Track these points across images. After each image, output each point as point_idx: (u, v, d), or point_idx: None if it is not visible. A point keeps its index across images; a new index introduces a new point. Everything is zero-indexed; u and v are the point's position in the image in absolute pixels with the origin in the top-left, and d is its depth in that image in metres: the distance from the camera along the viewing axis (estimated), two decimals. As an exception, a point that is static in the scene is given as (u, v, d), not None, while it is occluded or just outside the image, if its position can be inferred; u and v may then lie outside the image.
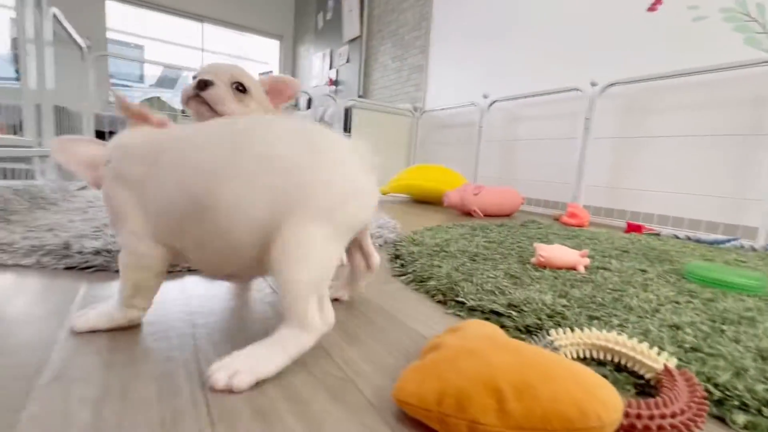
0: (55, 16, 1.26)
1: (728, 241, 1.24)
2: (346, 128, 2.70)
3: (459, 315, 0.51)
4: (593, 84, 1.75)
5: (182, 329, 0.42)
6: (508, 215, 1.82)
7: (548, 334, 0.40)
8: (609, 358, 0.39)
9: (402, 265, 0.72)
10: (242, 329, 0.44)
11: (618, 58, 1.78)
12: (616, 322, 0.48)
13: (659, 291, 0.63)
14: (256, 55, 5.30)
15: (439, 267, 0.68)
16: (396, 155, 2.88)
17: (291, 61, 5.31)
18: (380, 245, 0.91)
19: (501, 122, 2.33)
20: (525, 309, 0.49)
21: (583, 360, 0.39)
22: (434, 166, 2.19)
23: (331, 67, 4.20)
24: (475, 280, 0.61)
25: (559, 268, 0.74)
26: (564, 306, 0.52)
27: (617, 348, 0.38)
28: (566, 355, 0.39)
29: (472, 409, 0.26)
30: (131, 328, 0.41)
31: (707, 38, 1.51)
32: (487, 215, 1.72)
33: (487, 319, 0.49)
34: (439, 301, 0.57)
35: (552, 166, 2.03)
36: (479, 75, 2.49)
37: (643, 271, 0.77)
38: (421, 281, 0.63)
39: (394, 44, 3.30)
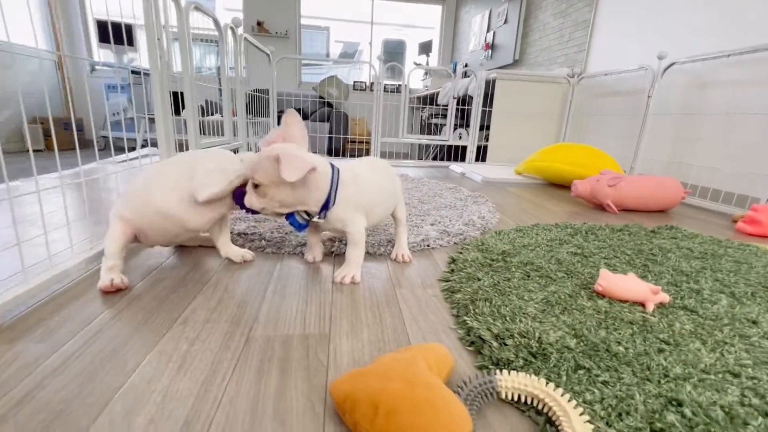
0: (246, 38, 1.68)
1: None
2: (489, 101, 2.61)
3: (458, 332, 0.58)
4: (831, 35, 1.22)
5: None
6: (662, 211, 1.52)
7: (496, 373, 0.44)
8: (545, 409, 0.41)
9: (451, 271, 0.79)
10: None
11: None
12: (601, 379, 0.46)
13: (737, 354, 0.52)
14: (420, 21, 5.42)
15: (478, 280, 0.73)
16: (544, 130, 2.64)
17: (452, 25, 5.22)
18: (455, 243, 0.98)
19: (680, 90, 1.85)
20: (508, 342, 0.52)
21: (525, 405, 0.43)
22: (578, 145, 1.95)
23: (488, 29, 3.98)
24: (498, 301, 0.64)
25: (623, 301, 0.67)
26: (562, 348, 0.52)
27: (549, 401, 0.40)
28: (506, 397, 0.43)
29: (357, 413, 0.37)
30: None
31: None
32: (628, 210, 1.49)
33: (472, 344, 0.54)
34: (453, 316, 0.63)
35: (748, 151, 1.54)
36: (657, 31, 2.00)
37: (755, 323, 0.62)
38: (452, 292, 0.70)
39: (558, -3, 2.88)
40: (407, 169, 2.39)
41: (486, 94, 2.63)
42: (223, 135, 1.56)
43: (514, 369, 0.48)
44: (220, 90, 1.61)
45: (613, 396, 0.43)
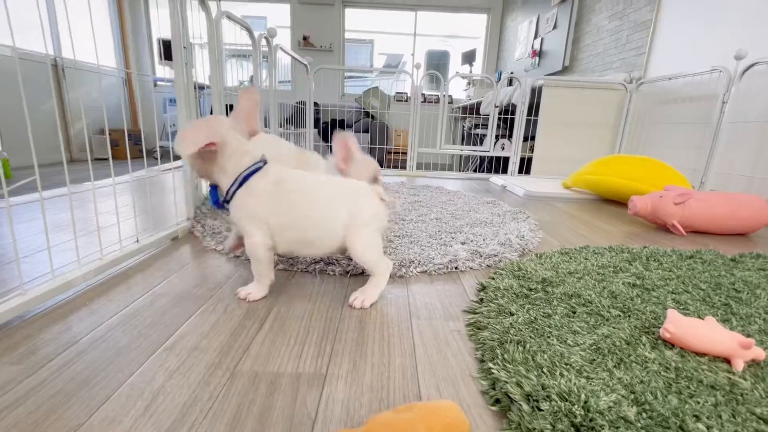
0: (281, 48, 1.68)
1: None
2: (534, 111, 2.45)
3: (481, 384, 0.47)
4: None
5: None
6: (741, 234, 1.30)
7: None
8: None
9: (480, 301, 0.68)
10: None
11: None
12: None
13: None
14: (464, 31, 5.32)
15: (511, 315, 0.61)
16: (597, 140, 2.42)
17: (497, 34, 5.07)
18: (487, 266, 0.86)
19: (764, 94, 1.60)
20: (543, 406, 0.40)
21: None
22: (637, 157, 1.74)
23: (536, 36, 3.79)
24: (534, 344, 0.53)
25: (700, 354, 0.53)
26: (617, 419, 0.39)
27: None
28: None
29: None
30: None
31: None
32: (698, 232, 1.29)
33: (497, 402, 0.43)
34: (477, 359, 0.53)
35: None
36: (732, 28, 1.76)
37: None
38: (478, 328, 0.59)
39: (614, -2, 2.67)
40: (445, 181, 2.28)
41: (531, 103, 2.47)
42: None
43: (549, 446, 0.37)
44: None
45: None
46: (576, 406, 0.40)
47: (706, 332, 0.53)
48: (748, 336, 0.58)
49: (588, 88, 2.37)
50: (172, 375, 0.47)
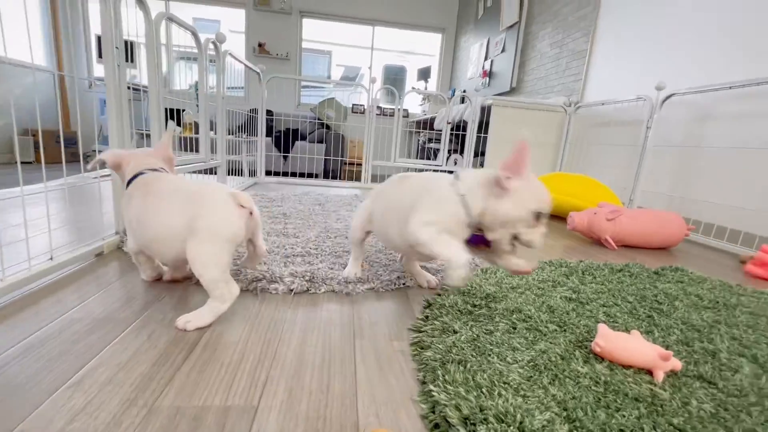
0: (230, 54, 1.62)
1: None
2: (484, 128, 2.55)
3: (422, 407, 0.46)
4: (841, 69, 1.15)
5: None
6: (663, 248, 1.42)
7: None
8: None
9: (425, 318, 0.68)
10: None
11: None
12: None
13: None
14: (420, 48, 5.47)
15: (454, 333, 0.62)
16: (541, 158, 2.57)
17: (452, 53, 5.28)
18: (432, 287, 0.87)
19: (680, 122, 1.78)
20: (479, 430, 0.40)
21: None
22: (575, 175, 1.87)
23: (486, 58, 4.00)
24: (475, 363, 0.53)
25: (626, 366, 0.56)
26: (552, 438, 0.40)
27: None
28: None
29: None
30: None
31: None
32: (627, 246, 1.39)
33: (436, 426, 0.43)
34: (418, 381, 0.52)
35: (753, 186, 1.46)
36: (655, 61, 1.96)
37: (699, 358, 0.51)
38: (422, 348, 0.58)
39: (555, 27, 2.89)
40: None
41: (482, 121, 2.58)
42: (197, 152, 1.47)
43: (484, 472, 0.36)
44: (197, 106, 1.53)
45: None
46: (512, 428, 0.41)
47: (631, 345, 0.56)
48: (668, 347, 0.63)
49: (532, 109, 2.52)
50: (76, 416, 0.41)
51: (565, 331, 0.65)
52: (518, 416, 0.42)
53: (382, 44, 5.33)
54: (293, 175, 3.55)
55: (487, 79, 3.92)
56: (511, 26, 3.46)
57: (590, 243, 1.42)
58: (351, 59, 5.50)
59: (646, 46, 2.04)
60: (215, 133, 1.70)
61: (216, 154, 1.67)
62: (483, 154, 2.56)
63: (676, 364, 0.55)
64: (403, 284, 0.84)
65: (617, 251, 1.33)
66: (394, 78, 5.62)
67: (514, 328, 0.65)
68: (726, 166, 1.57)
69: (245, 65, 1.80)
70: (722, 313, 0.79)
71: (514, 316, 0.69)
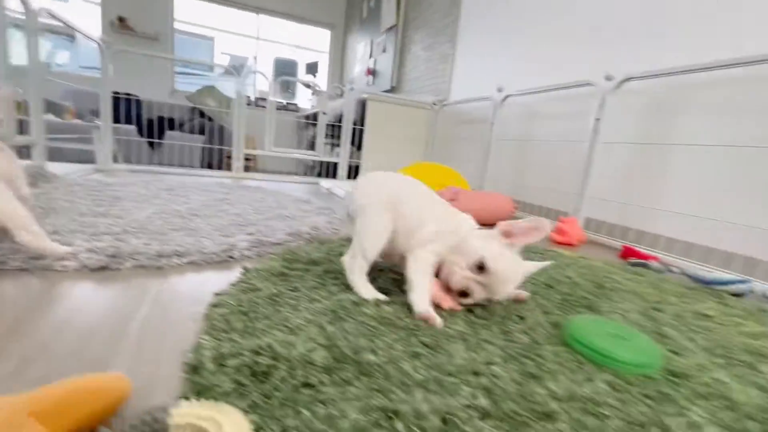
0: (49, 13, 1.38)
1: (735, 282, 0.98)
2: (361, 122, 2.65)
3: (189, 356, 0.46)
4: (608, 78, 1.48)
5: None
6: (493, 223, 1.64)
7: (176, 407, 0.33)
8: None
9: (236, 283, 0.68)
10: None
11: (640, 49, 1.48)
12: (322, 398, 0.39)
13: (490, 351, 0.51)
14: (311, 43, 5.41)
15: (256, 290, 0.63)
16: (413, 151, 2.76)
17: (341, 51, 5.35)
18: (270, 253, 0.87)
19: (516, 120, 2.10)
20: (229, 363, 0.42)
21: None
22: (433, 164, 2.06)
23: (371, 56, 4.15)
24: (261, 313, 0.54)
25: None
26: (301, 363, 0.43)
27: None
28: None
29: None
30: None
31: (742, 26, 1.18)
32: (469, 223, 1.58)
33: (195, 369, 0.43)
34: (198, 334, 0.51)
35: (562, 172, 1.79)
36: (501, 66, 2.27)
37: (521, 318, 0.63)
38: (215, 306, 0.58)
39: (427, 32, 3.14)
40: (275, 184, 2.24)
41: (361, 115, 2.67)
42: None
43: (219, 396, 0.37)
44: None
45: (325, 417, 0.36)
46: (263, 357, 0.43)
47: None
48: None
49: (403, 105, 2.69)
50: None
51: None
52: (277, 348, 0.45)
53: (272, 35, 5.14)
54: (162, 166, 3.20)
55: (372, 77, 4.07)
56: (390, 28, 3.65)
57: (439, 222, 1.58)
58: (238, 48, 5.18)
59: (492, 53, 2.34)
60: (54, 115, 1.43)
61: (31, 135, 1.41)
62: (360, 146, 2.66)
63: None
64: (230, 257, 0.82)
65: (459, 227, 1.50)
66: (286, 72, 5.47)
67: (323, 285, 0.69)
68: (545, 156, 1.90)
69: (70, 27, 1.54)
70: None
71: (329, 275, 0.73)
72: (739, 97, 1.19)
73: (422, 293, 0.62)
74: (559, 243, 1.39)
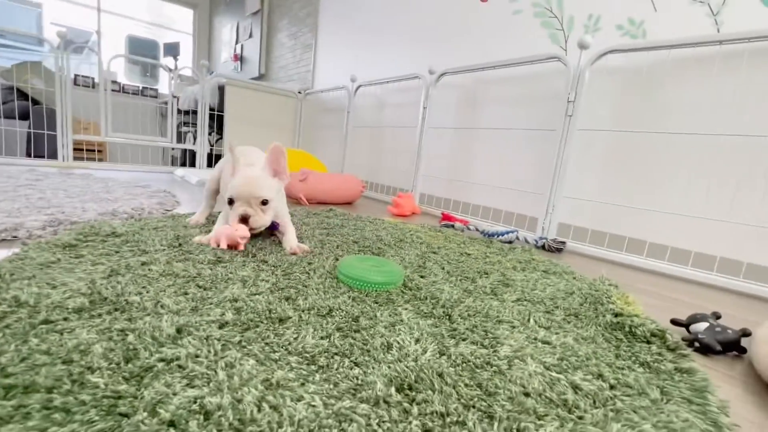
0: None
1: (507, 233, 1.27)
2: (220, 107, 2.55)
3: None
4: (431, 72, 1.73)
5: None
6: (348, 203, 1.79)
7: None
8: None
9: None
10: None
11: (454, 48, 1.77)
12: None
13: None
14: (173, 23, 4.90)
15: None
16: (282, 138, 2.77)
17: (207, 32, 4.97)
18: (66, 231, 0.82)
19: (370, 108, 2.28)
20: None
21: None
22: (295, 150, 2.11)
23: (237, 41, 3.96)
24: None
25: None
26: (71, 313, 0.46)
27: None
28: None
29: None
30: None
31: (523, 32, 1.52)
32: (321, 203, 1.68)
33: None
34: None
35: (404, 154, 2.02)
36: (355, 58, 2.43)
37: (309, 263, 0.74)
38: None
39: (289, 20, 3.15)
40: (126, 174, 2.02)
41: (221, 101, 2.56)
42: None
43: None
44: None
45: (54, 341, 0.39)
46: (1, 306, 0.44)
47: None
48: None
49: (269, 92, 2.68)
50: None
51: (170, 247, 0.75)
52: (23, 297, 0.46)
53: (125, 10, 4.51)
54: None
55: (239, 63, 3.90)
56: (256, 13, 3.55)
57: (292, 202, 1.65)
58: (74, 20, 4.41)
59: (350, 44, 2.48)
60: None
61: None
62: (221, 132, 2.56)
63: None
64: (14, 236, 0.76)
65: (311, 207, 1.59)
66: (143, 53, 4.86)
67: (117, 252, 0.69)
68: (390, 141, 2.11)
69: None
70: (368, 228, 1.07)
71: (127, 244, 0.74)
72: (524, 91, 1.52)
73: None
74: (395, 215, 1.59)
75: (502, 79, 1.56)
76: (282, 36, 3.27)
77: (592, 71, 1.19)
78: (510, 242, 1.24)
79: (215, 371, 0.37)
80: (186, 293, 0.55)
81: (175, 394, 0.34)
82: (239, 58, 3.90)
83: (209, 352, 0.41)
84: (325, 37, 2.72)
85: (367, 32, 2.33)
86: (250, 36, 3.67)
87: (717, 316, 0.65)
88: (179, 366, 0.38)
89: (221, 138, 2.63)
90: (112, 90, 4.05)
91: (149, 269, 0.62)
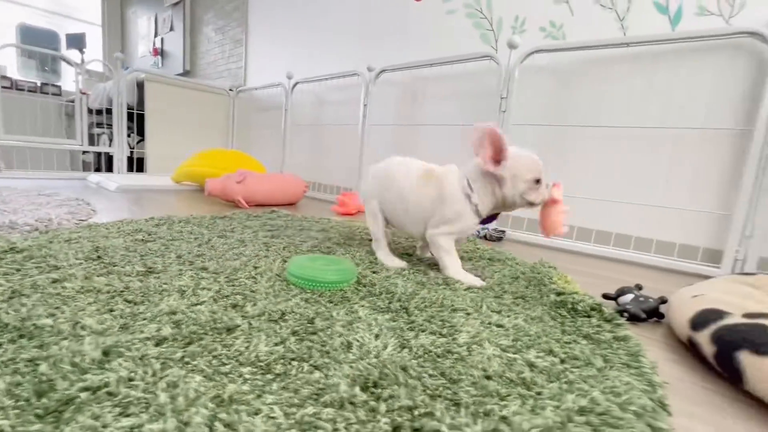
0: None
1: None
2: (140, 106, 2.32)
3: None
4: (370, 69, 1.72)
5: None
6: (291, 204, 1.72)
7: None
8: None
9: None
10: None
11: (392, 45, 1.79)
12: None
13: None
14: (78, 13, 4.36)
15: None
16: (212, 140, 2.59)
17: (119, 23, 4.50)
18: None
19: (309, 106, 2.22)
20: None
21: None
22: (230, 151, 1.99)
23: (156, 34, 3.64)
24: None
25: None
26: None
27: None
28: None
29: None
30: None
31: (458, 31, 1.57)
32: (261, 205, 1.60)
33: None
34: None
35: (346, 152, 1.99)
36: (291, 54, 2.35)
37: (255, 267, 0.70)
38: None
39: (216, 13, 2.96)
40: (28, 182, 1.74)
41: (141, 100, 2.33)
42: None
43: None
44: None
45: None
46: None
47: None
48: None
49: (195, 89, 2.49)
50: None
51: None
52: None
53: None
54: None
55: (160, 58, 3.59)
56: (177, 4, 3.29)
57: (230, 205, 1.55)
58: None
59: (284, 40, 2.39)
60: None
61: None
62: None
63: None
64: None
65: (250, 209, 1.50)
66: (41, 44, 4.26)
67: (19, 270, 0.59)
68: (335, 140, 2.08)
69: None
70: (286, 230, 1.02)
71: (31, 260, 0.63)
72: (461, 88, 1.57)
73: (455, 267, 0.75)
74: (342, 213, 1.56)
75: (439, 77, 1.61)
76: (208, 30, 3.06)
77: (521, 69, 1.27)
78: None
79: (155, 394, 0.33)
80: (112, 310, 0.48)
81: (105, 426, 0.29)
82: (160, 53, 3.59)
83: (146, 373, 0.36)
84: (257, 33, 2.60)
85: (303, 28, 2.26)
86: (171, 29, 3.39)
87: (639, 288, 0.73)
88: (109, 393, 0.32)
89: (143, 140, 2.39)
90: (3, 87, 3.51)
91: (62, 287, 0.54)
